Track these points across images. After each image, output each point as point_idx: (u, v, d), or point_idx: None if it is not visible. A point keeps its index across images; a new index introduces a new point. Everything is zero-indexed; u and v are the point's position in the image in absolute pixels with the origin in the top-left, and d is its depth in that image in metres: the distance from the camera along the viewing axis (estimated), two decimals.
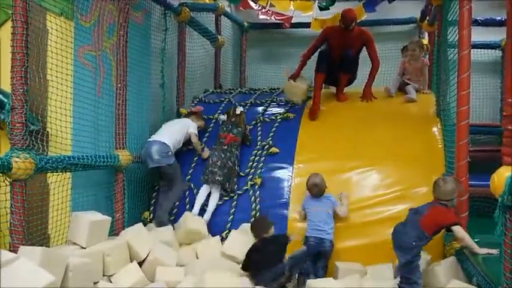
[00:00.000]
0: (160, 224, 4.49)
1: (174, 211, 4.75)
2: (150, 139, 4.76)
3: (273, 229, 3.98)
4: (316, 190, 4.26)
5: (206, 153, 4.98)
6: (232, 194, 4.73)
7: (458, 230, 3.39)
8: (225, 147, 4.83)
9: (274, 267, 3.62)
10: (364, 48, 5.56)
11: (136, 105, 4.70)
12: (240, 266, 3.84)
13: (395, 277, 3.71)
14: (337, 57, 5.43)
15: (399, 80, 5.74)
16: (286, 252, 3.83)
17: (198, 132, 5.12)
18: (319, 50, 5.58)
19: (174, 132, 4.85)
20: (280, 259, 3.72)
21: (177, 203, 4.77)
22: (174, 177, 4.74)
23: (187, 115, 5.29)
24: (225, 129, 4.99)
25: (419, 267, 3.48)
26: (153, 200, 4.89)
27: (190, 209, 4.70)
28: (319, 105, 5.39)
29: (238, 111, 5.09)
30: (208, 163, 4.79)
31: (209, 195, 4.74)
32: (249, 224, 4.20)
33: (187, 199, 4.83)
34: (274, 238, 3.92)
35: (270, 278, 3.57)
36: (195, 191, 4.83)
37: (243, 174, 4.86)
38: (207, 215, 4.63)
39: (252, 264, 3.74)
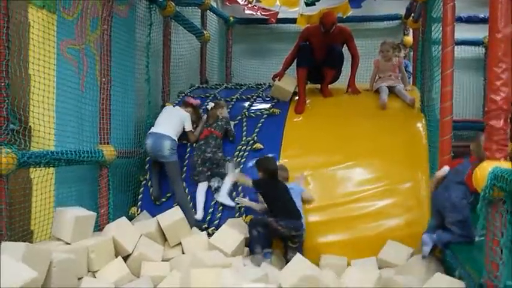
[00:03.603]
0: (198, 227, 4.41)
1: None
2: (156, 130, 4.70)
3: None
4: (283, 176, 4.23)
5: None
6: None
7: None
8: (201, 142, 4.84)
9: (294, 220, 3.41)
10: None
11: (120, 100, 4.64)
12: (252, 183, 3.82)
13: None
14: (321, 53, 5.45)
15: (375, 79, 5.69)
16: None
17: None
18: (300, 45, 5.58)
19: (175, 126, 4.79)
20: (300, 215, 3.54)
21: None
22: (175, 177, 4.65)
23: (184, 105, 5.11)
24: (205, 126, 5.03)
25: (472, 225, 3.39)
26: (140, 195, 4.84)
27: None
28: (305, 98, 5.43)
29: (209, 106, 5.12)
30: (193, 165, 4.79)
31: (206, 192, 4.68)
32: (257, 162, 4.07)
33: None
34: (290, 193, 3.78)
35: (289, 229, 3.35)
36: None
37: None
38: (223, 197, 4.53)
39: (274, 208, 3.57)
